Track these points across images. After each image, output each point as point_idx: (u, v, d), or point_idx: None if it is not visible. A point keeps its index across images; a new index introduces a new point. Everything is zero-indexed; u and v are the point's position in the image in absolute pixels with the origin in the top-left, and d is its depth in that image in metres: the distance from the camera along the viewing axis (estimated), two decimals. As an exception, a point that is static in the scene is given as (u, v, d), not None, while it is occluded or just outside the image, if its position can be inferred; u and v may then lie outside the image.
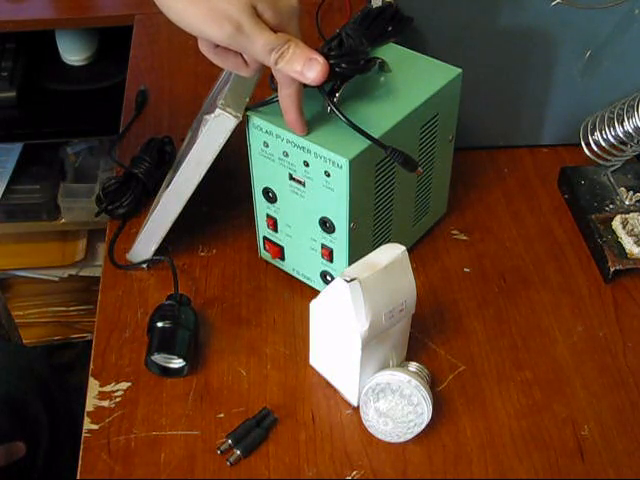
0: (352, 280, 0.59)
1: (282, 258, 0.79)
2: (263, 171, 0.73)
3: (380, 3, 0.82)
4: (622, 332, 0.75)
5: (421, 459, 0.65)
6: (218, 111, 0.67)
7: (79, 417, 0.68)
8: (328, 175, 0.67)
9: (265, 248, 0.80)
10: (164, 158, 0.91)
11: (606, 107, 0.86)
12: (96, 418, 0.67)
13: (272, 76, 0.70)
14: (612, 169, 0.88)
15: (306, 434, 0.66)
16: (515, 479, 0.64)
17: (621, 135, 0.84)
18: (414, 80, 0.74)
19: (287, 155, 0.69)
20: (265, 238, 0.79)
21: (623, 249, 0.80)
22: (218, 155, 0.71)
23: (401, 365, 0.68)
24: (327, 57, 0.68)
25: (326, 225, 0.71)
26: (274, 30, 0.60)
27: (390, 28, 0.79)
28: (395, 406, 0.63)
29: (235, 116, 0.68)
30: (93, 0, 1.36)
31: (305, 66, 0.61)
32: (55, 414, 0.95)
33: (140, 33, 1.22)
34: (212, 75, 0.86)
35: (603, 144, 0.85)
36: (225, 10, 0.58)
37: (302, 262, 0.77)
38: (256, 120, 0.69)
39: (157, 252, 0.80)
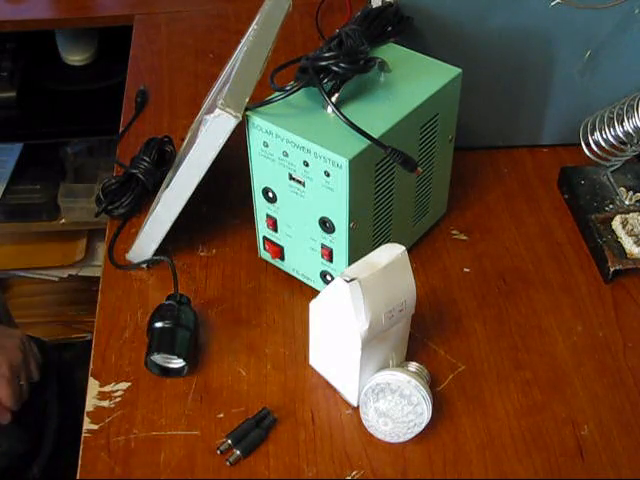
0: (352, 280, 0.59)
1: (282, 258, 0.79)
2: (263, 171, 0.73)
3: (380, 3, 0.82)
4: (622, 332, 0.75)
5: (421, 459, 0.65)
6: (218, 111, 0.67)
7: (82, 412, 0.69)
8: (328, 175, 0.67)
9: (265, 248, 0.80)
10: (164, 158, 0.90)
11: (606, 107, 0.86)
12: (96, 418, 0.67)
13: (272, 76, 0.71)
14: (612, 169, 0.88)
15: (306, 434, 0.66)
16: (515, 479, 0.64)
17: (621, 135, 0.83)
18: (414, 80, 0.74)
19: (287, 155, 0.69)
20: (265, 238, 0.79)
21: (623, 249, 0.80)
22: (218, 155, 0.71)
23: (401, 365, 0.68)
24: (327, 57, 0.68)
25: (326, 225, 0.71)
26: None
27: (390, 28, 0.79)
28: (395, 406, 0.63)
29: (235, 116, 0.68)
30: (93, 0, 1.36)
31: None
32: (64, 403, 0.96)
33: (140, 33, 1.22)
34: (212, 75, 0.87)
35: (603, 144, 0.85)
36: None
37: (302, 262, 0.77)
38: (256, 120, 0.69)
39: (157, 252, 0.80)
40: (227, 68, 0.87)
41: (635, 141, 0.83)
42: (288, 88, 0.69)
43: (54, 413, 0.96)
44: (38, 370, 0.93)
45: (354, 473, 0.64)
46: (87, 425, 0.67)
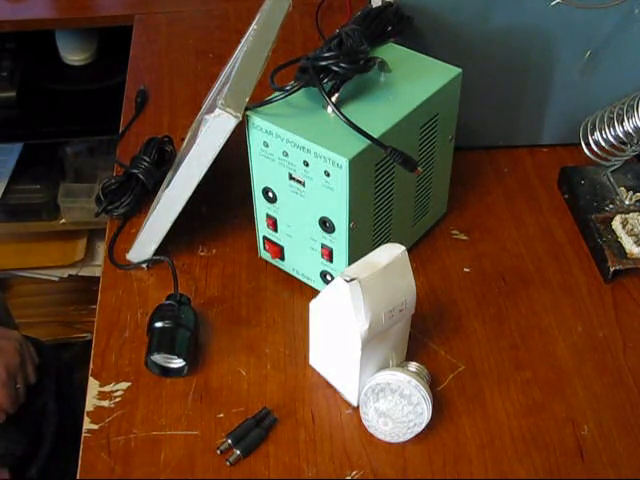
0: (352, 280, 0.59)
1: (282, 258, 0.79)
2: (263, 171, 0.73)
3: (380, 3, 0.82)
4: (622, 332, 0.75)
5: (421, 459, 0.65)
6: (218, 111, 0.67)
7: (82, 412, 0.69)
8: (328, 175, 0.67)
9: (265, 248, 0.80)
10: (164, 158, 0.90)
11: (606, 107, 0.86)
12: (96, 418, 0.67)
13: (272, 76, 0.71)
14: (612, 169, 0.88)
15: (306, 434, 0.66)
16: (515, 479, 0.64)
17: (621, 135, 0.83)
18: (414, 80, 0.74)
19: (287, 155, 0.69)
20: (265, 238, 0.79)
21: (623, 249, 0.80)
22: (218, 155, 0.71)
23: (401, 365, 0.68)
24: (327, 57, 0.68)
25: (326, 225, 0.71)
26: None
27: (390, 28, 0.79)
28: (395, 406, 0.63)
29: (235, 116, 0.68)
30: (93, 0, 1.36)
31: None
32: (62, 404, 0.96)
33: (140, 33, 1.22)
34: (212, 75, 0.87)
35: (603, 144, 0.85)
36: None
37: (302, 262, 0.77)
38: (256, 120, 0.69)
39: (157, 252, 0.80)
40: (227, 68, 0.87)
41: (635, 141, 0.83)
42: (288, 88, 0.69)
43: (52, 414, 0.96)
44: (35, 372, 0.93)
45: (354, 473, 0.64)
46: (87, 425, 0.67)
